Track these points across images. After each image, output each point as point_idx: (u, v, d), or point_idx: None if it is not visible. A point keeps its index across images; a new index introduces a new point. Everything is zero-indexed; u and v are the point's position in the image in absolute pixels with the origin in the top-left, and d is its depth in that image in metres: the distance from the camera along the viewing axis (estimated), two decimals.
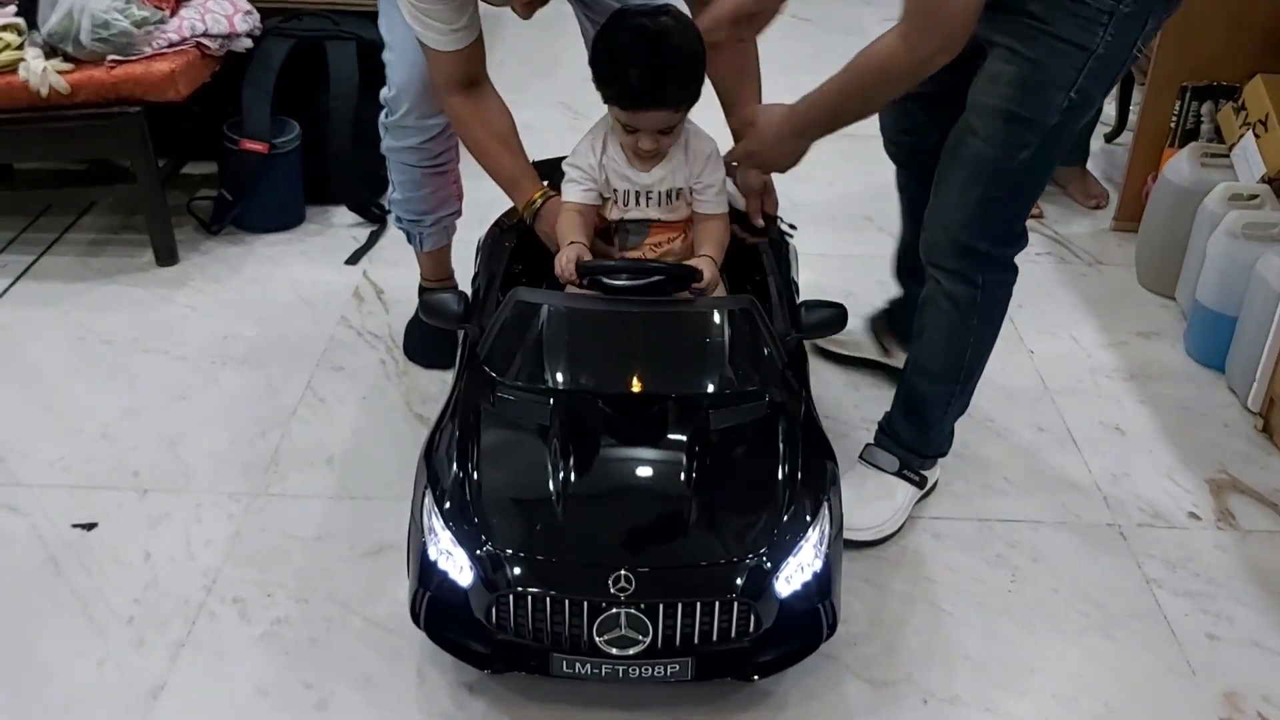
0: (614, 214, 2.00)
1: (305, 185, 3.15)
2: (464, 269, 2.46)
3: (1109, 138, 3.70)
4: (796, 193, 3.31)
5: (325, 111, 3.08)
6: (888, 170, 2.43)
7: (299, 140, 3.06)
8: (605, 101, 1.88)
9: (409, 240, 2.50)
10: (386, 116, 2.28)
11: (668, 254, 2.01)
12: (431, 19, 1.94)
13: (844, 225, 3.23)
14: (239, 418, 2.39)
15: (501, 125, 2.10)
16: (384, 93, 2.27)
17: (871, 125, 3.75)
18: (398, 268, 2.87)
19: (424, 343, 2.57)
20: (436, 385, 2.48)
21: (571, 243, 1.91)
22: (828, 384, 2.48)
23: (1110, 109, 3.76)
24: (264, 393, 2.47)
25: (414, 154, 2.28)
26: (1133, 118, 3.50)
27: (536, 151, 2.30)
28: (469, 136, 2.12)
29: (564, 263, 1.87)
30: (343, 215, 3.17)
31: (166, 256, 2.93)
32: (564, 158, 2.05)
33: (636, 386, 1.82)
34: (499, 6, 1.88)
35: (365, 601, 1.94)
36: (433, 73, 2.06)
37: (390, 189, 2.42)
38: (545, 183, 2.11)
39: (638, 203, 1.98)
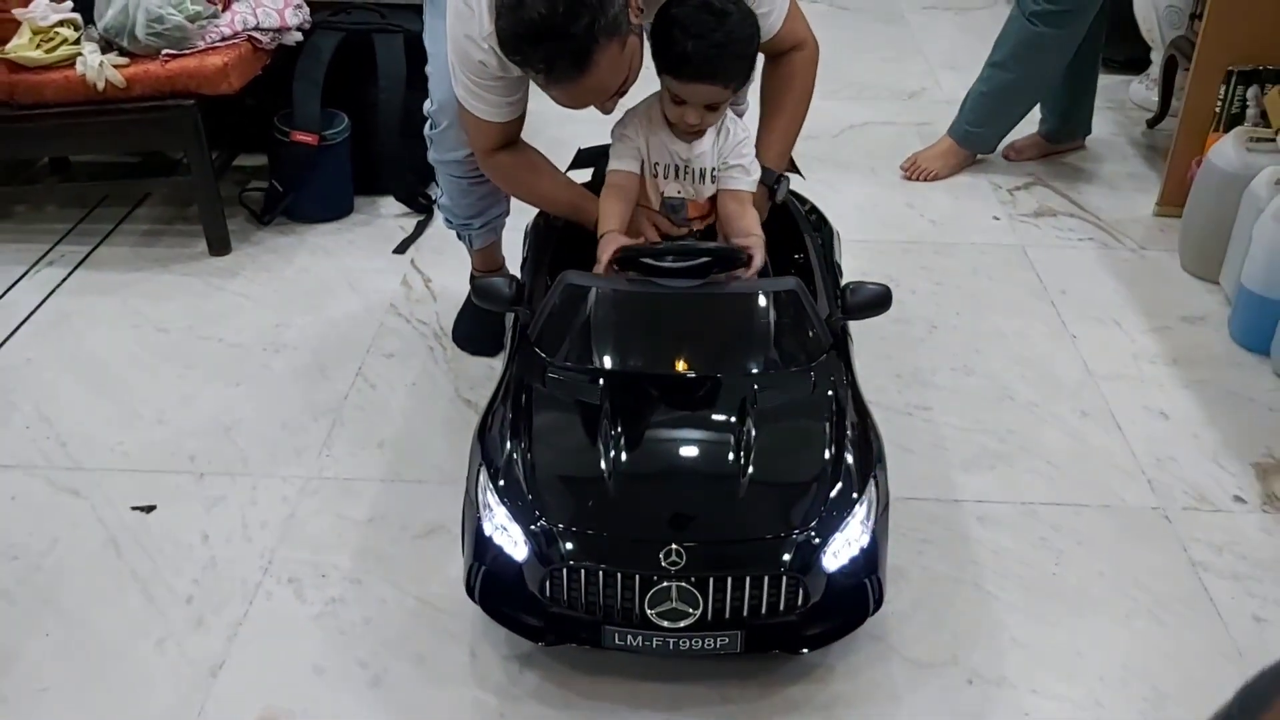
0: (652, 192, 2.05)
1: (354, 176, 3.19)
2: (513, 254, 2.49)
3: (1151, 123, 3.68)
4: (838, 180, 3.35)
5: (373, 103, 3.12)
6: None
7: (348, 132, 3.10)
8: (660, 72, 1.92)
9: (459, 238, 2.54)
10: (431, 129, 2.30)
11: (701, 219, 2.08)
12: (489, 93, 1.98)
13: (886, 212, 3.24)
14: (292, 403, 2.43)
15: (544, 162, 2.16)
16: (427, 106, 2.30)
17: (913, 114, 3.81)
18: (444, 256, 2.91)
19: (472, 330, 2.60)
20: (484, 372, 2.52)
21: (608, 233, 1.97)
22: (871, 367, 2.49)
23: (1153, 94, 3.75)
24: (316, 379, 2.51)
25: (459, 166, 2.30)
26: (1176, 103, 3.48)
27: (577, 142, 2.34)
28: (518, 184, 2.19)
29: (603, 256, 1.93)
30: (390, 205, 3.21)
31: (219, 246, 2.98)
32: (607, 146, 2.10)
33: (685, 367, 1.85)
34: (580, 109, 1.90)
35: (417, 581, 1.98)
36: (475, 138, 2.09)
37: (438, 194, 2.47)
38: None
39: (677, 176, 2.03)
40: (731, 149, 2.02)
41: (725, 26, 1.86)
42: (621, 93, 1.88)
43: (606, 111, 1.96)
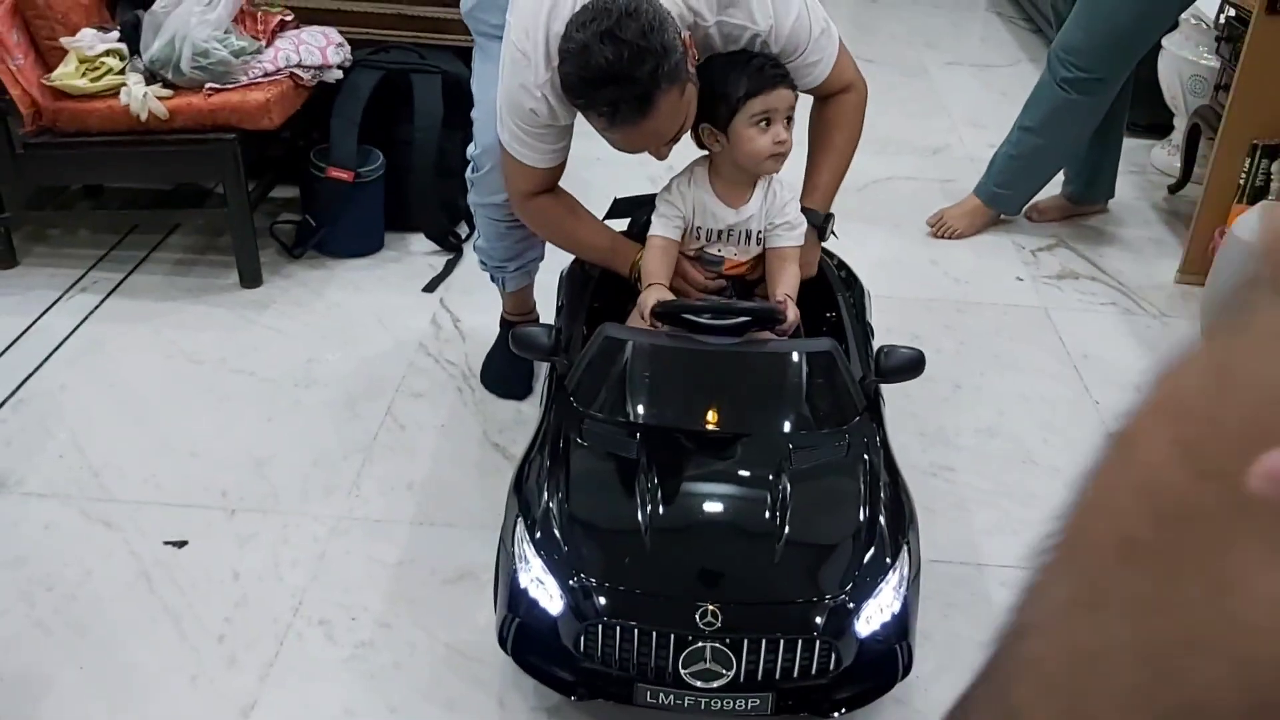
0: (692, 246, 2.08)
1: (385, 213, 3.22)
2: (545, 299, 2.52)
3: (1174, 189, 3.73)
4: (862, 234, 3.38)
5: (408, 142, 3.15)
6: None
7: (383, 170, 3.14)
8: (735, 108, 1.93)
9: (492, 280, 2.57)
10: (472, 172, 2.34)
11: (745, 274, 2.11)
12: (536, 141, 2.02)
13: (910, 268, 3.27)
14: (323, 441, 2.45)
15: (579, 208, 2.20)
16: (470, 149, 2.34)
17: (937, 169, 3.85)
18: (474, 296, 2.94)
19: (502, 373, 2.63)
20: (513, 415, 2.54)
21: (651, 285, 2.00)
22: (895, 425, 2.51)
23: (1175, 160, 3.79)
24: (346, 417, 2.54)
25: (498, 210, 2.33)
26: (1198, 170, 3.53)
27: (606, 185, 2.37)
28: (553, 228, 2.22)
29: (645, 307, 1.95)
30: (420, 243, 3.24)
31: (251, 279, 3.01)
32: (644, 196, 2.13)
33: (722, 424, 1.88)
34: (635, 153, 1.96)
35: (447, 627, 2.00)
36: (516, 183, 2.13)
37: (475, 235, 2.50)
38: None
39: (719, 239, 2.07)
40: (779, 210, 2.06)
41: (764, 52, 1.98)
42: (675, 139, 1.94)
43: (661, 157, 2.00)
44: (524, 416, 2.51)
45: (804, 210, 2.14)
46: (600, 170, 2.45)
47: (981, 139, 4.15)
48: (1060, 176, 3.52)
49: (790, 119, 1.98)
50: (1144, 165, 3.99)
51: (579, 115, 1.98)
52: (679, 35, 1.81)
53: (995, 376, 2.78)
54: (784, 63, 2.03)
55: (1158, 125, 4.06)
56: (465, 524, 2.22)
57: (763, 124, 1.94)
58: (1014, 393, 2.72)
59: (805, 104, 2.19)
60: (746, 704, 1.66)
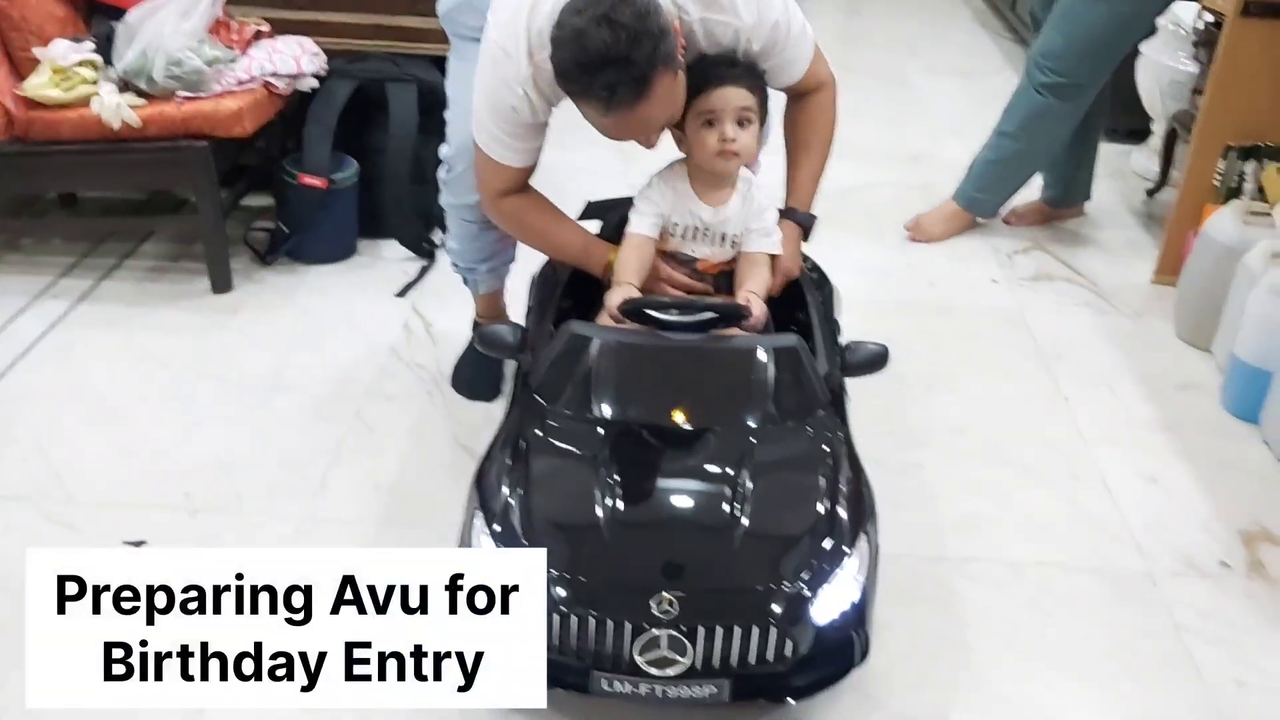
0: (668, 245, 2.09)
1: (358, 219, 3.23)
2: (516, 303, 2.52)
3: (1151, 192, 3.73)
4: (841, 239, 3.38)
5: (381, 150, 3.16)
6: None
7: (356, 177, 3.15)
8: (689, 104, 1.95)
9: (464, 283, 2.58)
10: (446, 173, 2.35)
11: (730, 267, 2.12)
12: (513, 139, 2.04)
13: (887, 272, 3.28)
14: (289, 443, 2.45)
15: (551, 206, 2.20)
16: (443, 150, 2.35)
17: (916, 176, 3.85)
18: (445, 301, 2.94)
19: (472, 376, 2.63)
20: (482, 418, 2.53)
21: (622, 283, 2.00)
22: (866, 424, 2.51)
23: (1153, 164, 3.80)
24: (314, 420, 2.53)
25: (471, 210, 2.33)
26: (1175, 173, 3.53)
27: (587, 192, 2.37)
28: (525, 227, 2.22)
29: (612, 304, 1.95)
30: (392, 249, 3.24)
31: (222, 284, 3.01)
32: (617, 199, 2.13)
33: (684, 418, 1.87)
34: (625, 141, 1.97)
35: None
36: (490, 182, 2.13)
37: (446, 237, 2.50)
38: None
39: (694, 238, 2.08)
40: (756, 215, 2.07)
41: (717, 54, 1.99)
42: (664, 127, 1.95)
43: (650, 145, 2.00)
44: (493, 419, 2.47)
45: (790, 211, 2.16)
46: (585, 180, 2.45)
47: (961, 146, 4.12)
48: (1038, 181, 3.53)
49: (745, 120, 1.98)
50: (1123, 170, 4.00)
51: (560, 111, 1.98)
52: (670, 21, 1.82)
53: (968, 377, 2.77)
54: (764, 61, 2.03)
55: (1136, 130, 4.08)
56: (432, 525, 2.20)
57: (709, 123, 1.96)
58: (986, 392, 2.71)
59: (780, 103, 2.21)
60: (704, 690, 1.65)
